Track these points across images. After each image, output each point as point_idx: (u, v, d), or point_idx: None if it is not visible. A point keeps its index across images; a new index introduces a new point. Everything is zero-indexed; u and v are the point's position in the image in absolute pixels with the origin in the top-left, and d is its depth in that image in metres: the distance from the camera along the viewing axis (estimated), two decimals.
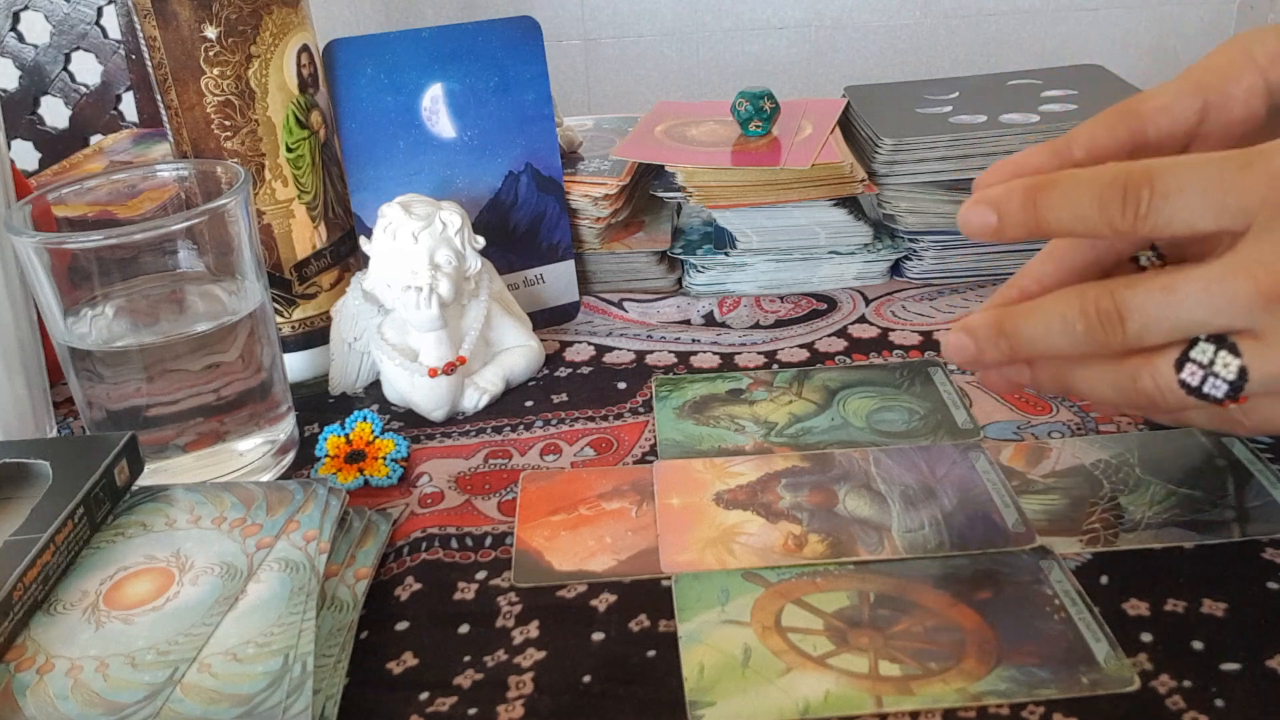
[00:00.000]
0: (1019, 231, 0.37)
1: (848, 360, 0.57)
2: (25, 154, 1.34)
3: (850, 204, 0.65)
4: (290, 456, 0.51)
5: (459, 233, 0.52)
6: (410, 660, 0.39)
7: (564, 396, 0.56)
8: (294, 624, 0.37)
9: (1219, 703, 0.34)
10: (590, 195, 0.65)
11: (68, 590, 0.39)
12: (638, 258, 0.66)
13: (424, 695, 0.37)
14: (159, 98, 0.52)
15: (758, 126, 0.68)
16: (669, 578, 0.42)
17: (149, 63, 0.52)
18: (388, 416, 0.55)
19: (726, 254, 0.65)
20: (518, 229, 0.62)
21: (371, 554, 0.43)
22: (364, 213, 0.59)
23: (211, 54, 0.51)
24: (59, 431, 0.55)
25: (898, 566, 0.41)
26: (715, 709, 0.35)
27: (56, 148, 1.33)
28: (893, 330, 0.60)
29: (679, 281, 0.67)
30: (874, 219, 0.67)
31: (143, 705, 0.34)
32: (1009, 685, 0.35)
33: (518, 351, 0.57)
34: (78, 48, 1.35)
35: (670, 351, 0.59)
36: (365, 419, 0.50)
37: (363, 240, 0.53)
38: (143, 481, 0.45)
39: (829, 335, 0.60)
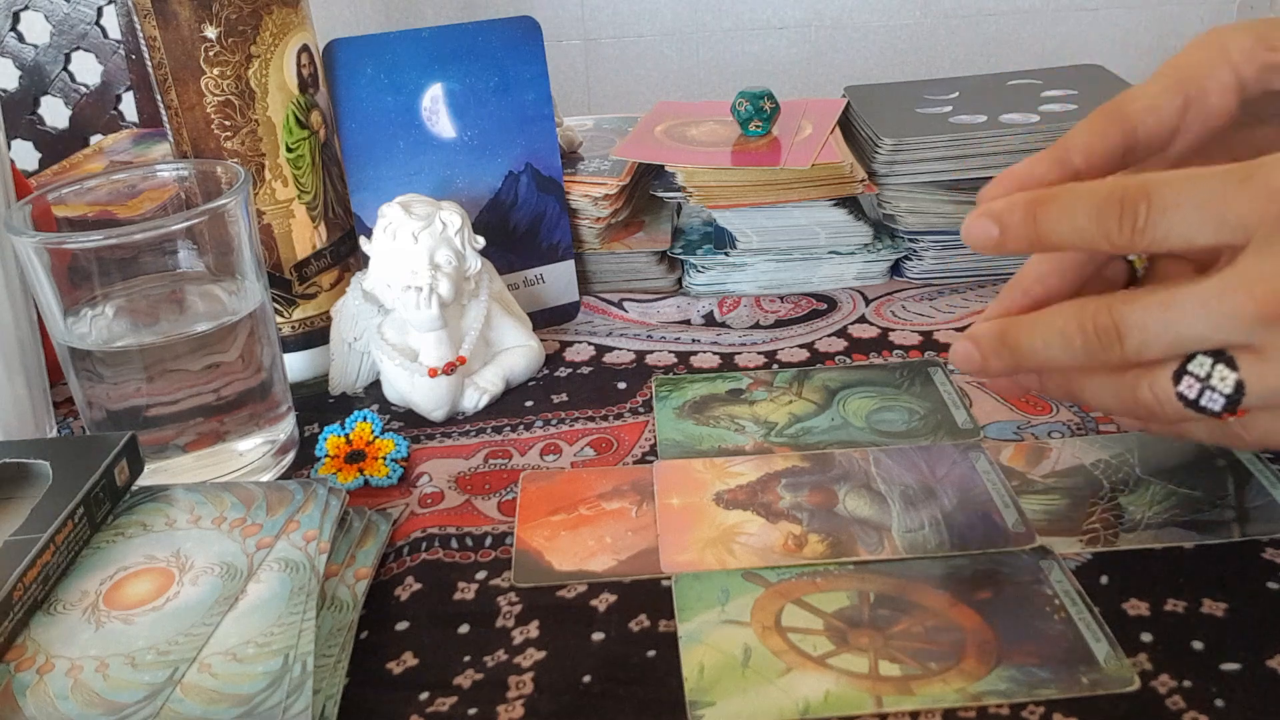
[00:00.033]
0: (1020, 245, 0.38)
1: (848, 360, 0.57)
2: (25, 154, 1.34)
3: (850, 204, 0.65)
4: (290, 456, 0.51)
5: (459, 233, 0.52)
6: (410, 660, 0.39)
7: (564, 396, 0.56)
8: (294, 624, 0.37)
9: (1219, 703, 0.34)
10: (590, 195, 0.65)
11: (68, 590, 0.39)
12: (638, 258, 0.66)
13: (424, 695, 0.37)
14: (159, 98, 0.52)
15: (758, 126, 0.68)
16: (669, 578, 0.42)
17: (149, 63, 0.52)
18: (388, 416, 0.55)
19: (726, 254, 0.65)
20: (518, 229, 0.63)
21: (371, 554, 0.43)
22: (364, 213, 0.59)
23: (211, 54, 0.51)
24: (59, 431, 0.55)
25: (898, 566, 0.41)
26: (715, 709, 0.35)
27: (56, 148, 1.33)
28: (893, 330, 0.60)
29: (679, 281, 0.67)
30: (874, 219, 0.67)
31: (143, 705, 0.34)
32: (1009, 685, 0.35)
33: (518, 351, 0.57)
34: (78, 48, 1.35)
35: (670, 351, 0.59)
36: (365, 419, 0.50)
37: (363, 240, 0.53)
38: (143, 481, 0.45)
39: (829, 335, 0.60)
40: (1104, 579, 0.40)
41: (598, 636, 0.39)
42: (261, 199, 0.54)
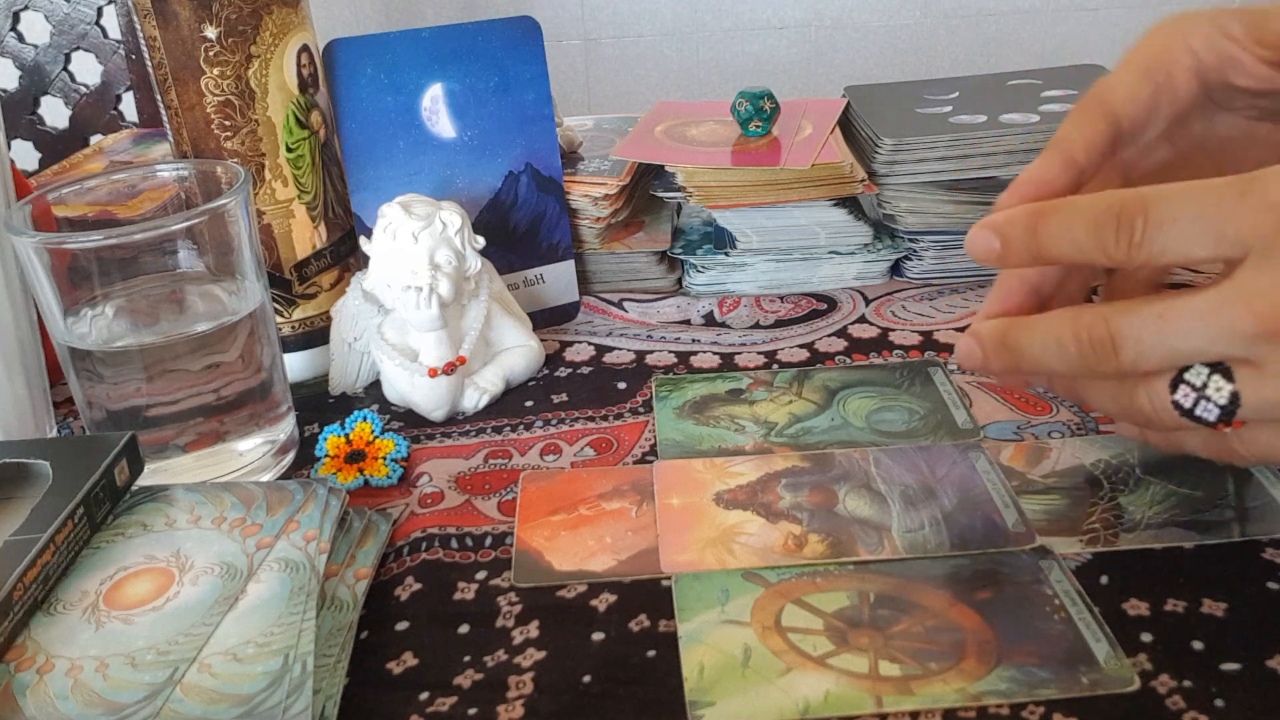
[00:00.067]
0: (1021, 258, 0.38)
1: (848, 360, 0.57)
2: (25, 154, 1.34)
3: (850, 204, 0.65)
4: (290, 456, 0.51)
5: (459, 233, 0.52)
6: (410, 660, 0.39)
7: (564, 396, 0.56)
8: (294, 624, 0.37)
9: (1219, 703, 0.34)
10: (590, 195, 0.65)
11: (68, 590, 0.39)
12: (638, 258, 0.66)
13: (424, 695, 0.37)
14: (159, 98, 0.52)
15: (758, 126, 0.68)
16: (669, 578, 0.42)
17: (149, 63, 0.52)
18: (388, 416, 0.55)
19: (726, 254, 0.65)
20: (518, 229, 0.62)
21: (371, 554, 0.43)
22: (364, 213, 0.59)
23: (211, 54, 0.51)
24: (59, 431, 0.55)
25: (898, 566, 0.41)
26: (715, 709, 0.35)
27: (56, 148, 1.33)
28: (893, 330, 0.60)
29: (679, 281, 0.67)
30: (874, 219, 0.67)
31: (143, 705, 0.34)
32: (1009, 685, 0.35)
33: (518, 351, 0.57)
34: (78, 48, 1.35)
35: (670, 351, 0.59)
36: (365, 419, 0.50)
37: (363, 240, 0.53)
38: (143, 481, 0.45)
39: (829, 335, 0.60)
40: (1104, 579, 0.40)
41: (598, 636, 0.39)
42: (261, 199, 0.54)
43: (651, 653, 0.38)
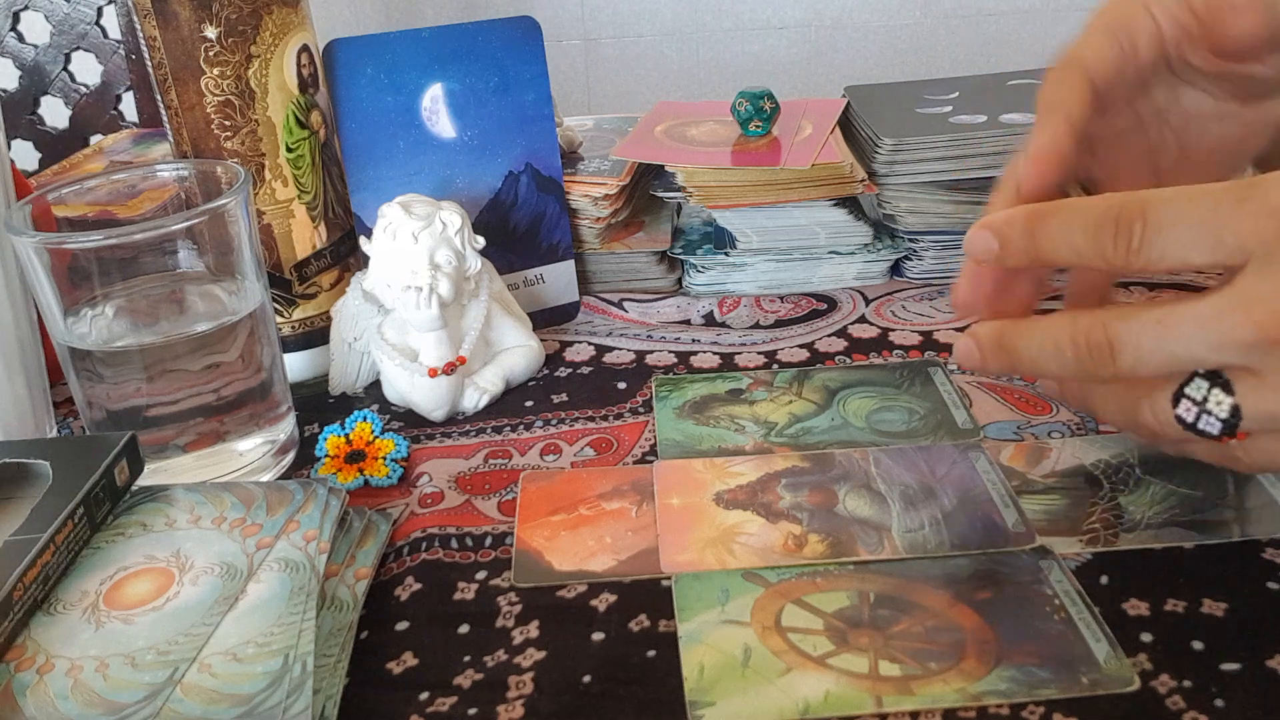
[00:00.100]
0: (1020, 259, 0.38)
1: (848, 360, 0.57)
2: (25, 154, 1.34)
3: (850, 204, 0.65)
4: (290, 456, 0.51)
5: (459, 233, 0.52)
6: (410, 660, 0.39)
7: (564, 396, 0.56)
8: (294, 624, 0.37)
9: (1219, 703, 0.34)
10: (590, 195, 0.65)
11: (68, 590, 0.39)
12: (638, 258, 0.66)
13: (424, 695, 0.37)
14: (159, 98, 0.52)
15: (758, 126, 0.68)
16: (669, 578, 0.42)
17: (149, 63, 0.52)
18: (388, 416, 0.55)
19: (726, 254, 0.65)
20: (518, 229, 0.62)
21: (371, 554, 0.43)
22: (364, 213, 0.59)
23: (211, 54, 0.51)
24: (59, 431, 0.55)
25: (898, 566, 0.41)
26: (715, 709, 0.35)
27: (56, 148, 1.33)
28: (893, 330, 0.60)
29: (679, 281, 0.67)
30: (874, 219, 0.67)
31: (143, 705, 0.34)
32: (1009, 685, 0.35)
33: (518, 351, 0.57)
34: (78, 48, 1.35)
35: (670, 351, 0.59)
36: (365, 419, 0.50)
37: (363, 240, 0.53)
38: (143, 481, 0.45)
39: (829, 335, 0.60)
40: (1104, 579, 0.40)
41: (598, 636, 0.39)
42: (261, 199, 0.54)
43: (651, 653, 0.38)
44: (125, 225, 0.44)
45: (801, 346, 0.59)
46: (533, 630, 0.40)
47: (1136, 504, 0.43)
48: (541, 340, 0.58)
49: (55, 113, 1.36)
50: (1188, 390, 0.35)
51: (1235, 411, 0.34)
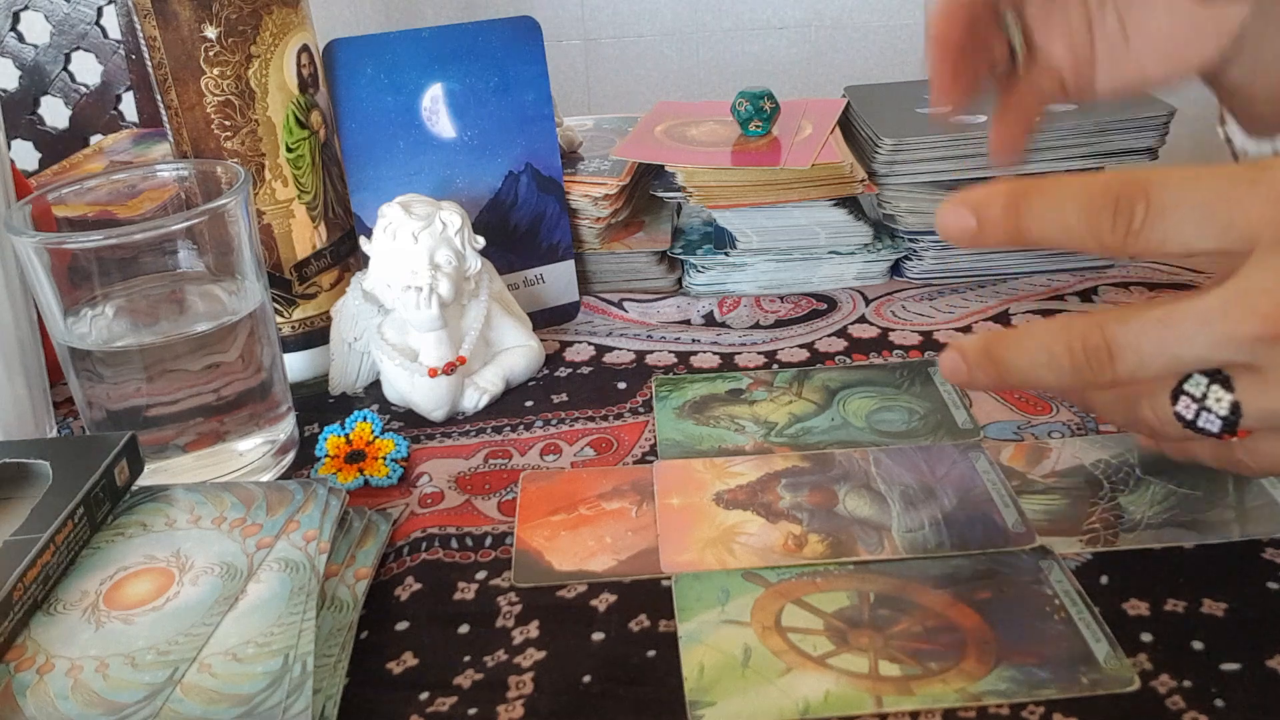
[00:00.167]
0: (999, 239, 0.35)
1: (848, 360, 0.57)
2: (25, 154, 1.34)
3: (850, 204, 0.65)
4: (290, 456, 0.51)
5: (459, 233, 0.52)
6: (410, 660, 0.39)
7: (564, 396, 0.55)
8: (294, 624, 0.37)
9: (1219, 703, 0.34)
10: (590, 195, 0.65)
11: (68, 590, 0.39)
12: (638, 258, 0.66)
13: (424, 695, 0.37)
14: (159, 98, 0.52)
15: (758, 126, 0.68)
16: (669, 578, 0.42)
17: (149, 63, 0.52)
18: (388, 416, 0.55)
19: (726, 254, 0.65)
20: (518, 229, 0.62)
21: (371, 554, 0.43)
22: (364, 213, 0.59)
23: (211, 54, 0.51)
24: (59, 431, 0.55)
25: (898, 566, 0.41)
26: (715, 709, 0.35)
27: (56, 148, 1.33)
28: (893, 330, 0.60)
29: (679, 281, 0.67)
30: (874, 219, 0.67)
31: (143, 705, 0.34)
32: (1009, 685, 0.35)
33: (518, 351, 0.57)
34: (78, 48, 1.35)
35: (670, 351, 0.59)
36: (365, 419, 0.50)
37: (363, 240, 0.53)
38: (143, 481, 0.45)
39: (829, 335, 0.60)
40: (1104, 579, 0.40)
41: (598, 636, 0.39)
42: (261, 199, 0.54)
43: (651, 653, 0.38)
44: (125, 225, 0.44)
45: (801, 346, 0.59)
46: (533, 630, 0.40)
47: (1136, 504, 0.43)
48: (541, 340, 0.58)
49: (55, 113, 1.36)
50: (1186, 387, 0.34)
51: (1235, 408, 0.33)
